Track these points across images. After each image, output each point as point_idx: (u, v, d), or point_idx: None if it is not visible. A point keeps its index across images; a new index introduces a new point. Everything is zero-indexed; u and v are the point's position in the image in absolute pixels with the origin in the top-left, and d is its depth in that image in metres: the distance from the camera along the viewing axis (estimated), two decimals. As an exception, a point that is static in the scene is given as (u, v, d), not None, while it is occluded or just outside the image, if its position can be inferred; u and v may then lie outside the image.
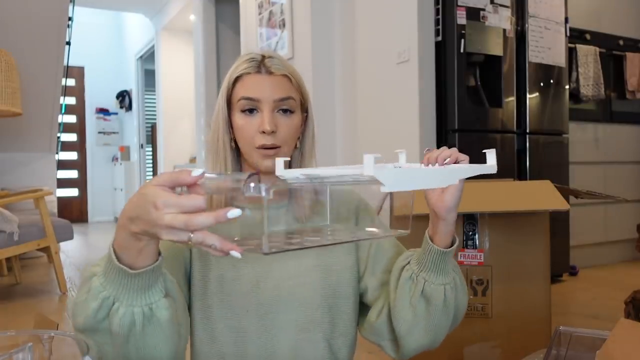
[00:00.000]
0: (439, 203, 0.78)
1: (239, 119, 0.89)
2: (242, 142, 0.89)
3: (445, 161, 0.74)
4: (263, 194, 0.54)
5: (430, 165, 0.74)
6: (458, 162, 0.75)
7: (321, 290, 0.90)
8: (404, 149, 0.74)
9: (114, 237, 0.64)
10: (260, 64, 0.89)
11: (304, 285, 0.90)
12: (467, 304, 0.91)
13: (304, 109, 0.94)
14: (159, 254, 0.66)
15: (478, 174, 0.74)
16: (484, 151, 0.76)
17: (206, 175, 0.56)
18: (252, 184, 0.54)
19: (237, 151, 0.93)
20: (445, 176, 0.72)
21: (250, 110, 0.88)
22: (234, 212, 0.53)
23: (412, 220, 0.72)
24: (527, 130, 2.98)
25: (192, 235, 0.54)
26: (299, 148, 0.93)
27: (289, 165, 0.90)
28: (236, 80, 0.90)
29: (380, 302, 0.91)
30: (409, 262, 0.86)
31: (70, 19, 4.58)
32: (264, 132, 0.86)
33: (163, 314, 0.68)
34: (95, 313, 0.66)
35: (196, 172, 0.56)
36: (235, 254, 0.55)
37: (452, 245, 0.82)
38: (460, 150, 0.75)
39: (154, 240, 0.61)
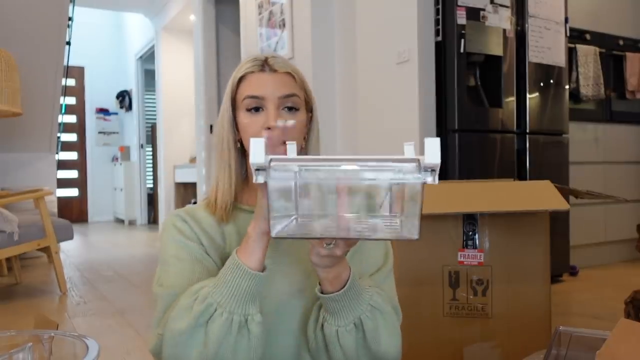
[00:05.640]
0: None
1: (243, 117, 0.89)
2: (246, 141, 0.90)
3: None
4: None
5: None
6: None
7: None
8: (412, 142, 0.70)
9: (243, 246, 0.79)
10: (264, 63, 0.90)
11: (301, 296, 0.91)
12: (400, 342, 0.89)
13: (309, 109, 0.94)
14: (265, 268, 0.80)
15: None
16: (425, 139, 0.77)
17: None
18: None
19: (242, 151, 0.94)
20: None
21: (256, 109, 0.89)
22: None
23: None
24: (527, 130, 2.98)
25: None
26: (303, 148, 0.94)
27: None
28: (240, 80, 0.91)
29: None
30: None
31: (70, 19, 4.58)
32: (269, 129, 0.86)
33: (255, 329, 0.79)
34: (198, 316, 0.77)
35: None
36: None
37: (339, 289, 0.81)
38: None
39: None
